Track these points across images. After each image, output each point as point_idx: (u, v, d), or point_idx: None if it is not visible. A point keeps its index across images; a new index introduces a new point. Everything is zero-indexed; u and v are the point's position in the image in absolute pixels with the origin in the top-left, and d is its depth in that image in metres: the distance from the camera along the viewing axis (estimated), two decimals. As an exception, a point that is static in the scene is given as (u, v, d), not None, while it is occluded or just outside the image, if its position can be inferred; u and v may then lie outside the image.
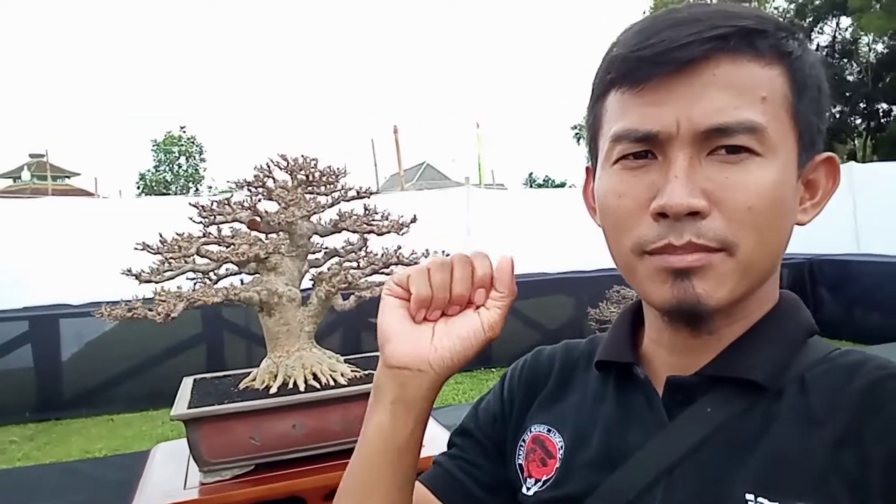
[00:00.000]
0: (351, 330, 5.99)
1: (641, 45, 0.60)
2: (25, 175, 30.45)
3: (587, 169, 0.76)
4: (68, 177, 38.07)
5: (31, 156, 35.37)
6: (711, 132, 0.58)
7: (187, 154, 36.99)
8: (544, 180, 44.99)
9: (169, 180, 36.29)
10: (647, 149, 0.61)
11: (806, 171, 0.65)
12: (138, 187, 35.93)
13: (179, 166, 36.93)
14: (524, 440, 0.80)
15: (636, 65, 0.60)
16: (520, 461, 0.79)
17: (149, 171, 36.51)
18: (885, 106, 24.97)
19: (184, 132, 37.15)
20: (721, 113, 0.58)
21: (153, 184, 35.63)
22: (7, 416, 5.37)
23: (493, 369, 6.53)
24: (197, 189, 36.14)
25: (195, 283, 1.56)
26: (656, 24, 0.61)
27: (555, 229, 7.19)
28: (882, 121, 25.14)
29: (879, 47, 24.29)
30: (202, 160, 37.51)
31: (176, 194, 32.05)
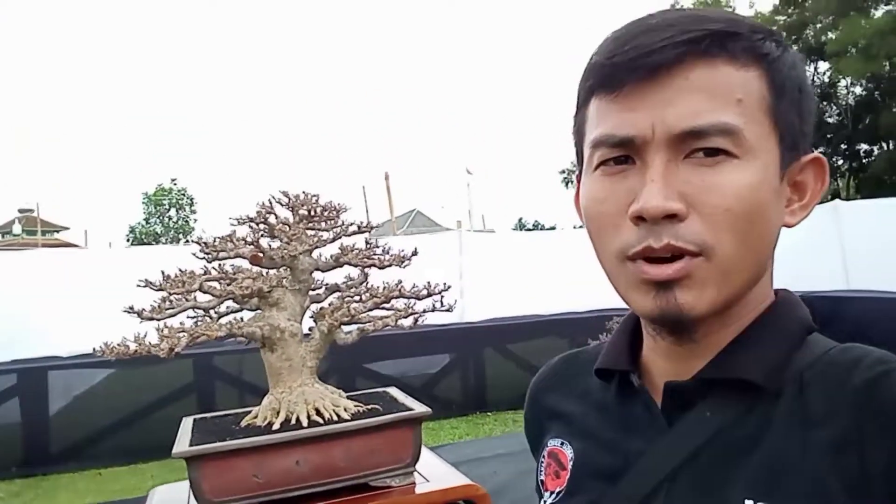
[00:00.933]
0: (346, 375, 5.93)
1: (617, 51, 0.61)
2: (16, 229, 30.35)
3: (577, 177, 0.77)
4: (58, 231, 37.98)
5: (21, 211, 35.35)
6: (686, 135, 0.59)
7: (178, 206, 37.11)
8: (533, 225, 45.30)
9: (159, 232, 36.32)
10: (625, 154, 0.62)
11: (792, 172, 0.65)
12: (128, 240, 35.90)
13: (170, 218, 37.01)
14: (543, 456, 0.81)
15: (612, 71, 0.61)
16: (541, 477, 0.81)
17: (139, 223, 36.58)
18: (865, 146, 25.48)
19: (174, 184, 37.34)
20: (695, 116, 0.58)
21: (143, 236, 35.60)
22: (-7, 471, 5.25)
23: (489, 413, 6.47)
24: (187, 241, 36.11)
25: (195, 321, 1.56)
26: (631, 30, 0.62)
27: (546, 272, 7.21)
28: (864, 161, 25.62)
29: (858, 90, 24.92)
30: (193, 212, 37.63)
31: (165, 245, 31.99)
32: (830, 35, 23.05)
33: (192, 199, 37.52)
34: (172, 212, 37.05)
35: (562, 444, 0.78)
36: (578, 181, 0.76)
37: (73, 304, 6.03)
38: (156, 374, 5.57)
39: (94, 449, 5.55)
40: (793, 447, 0.58)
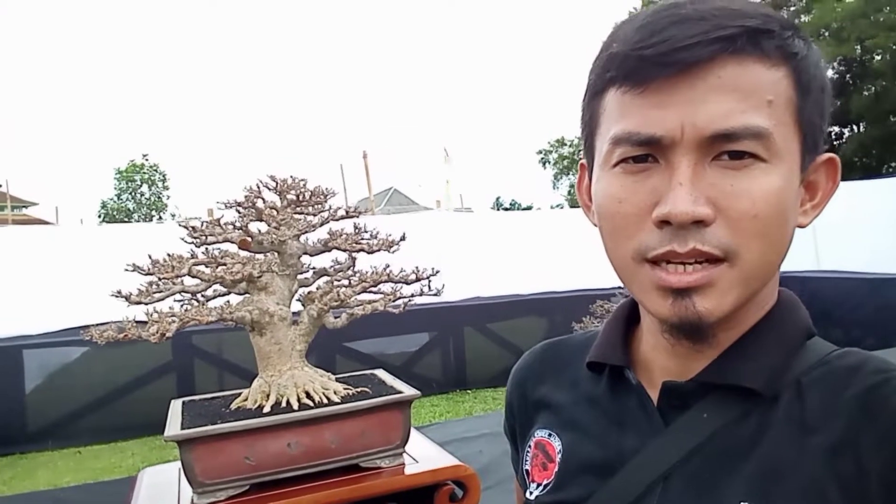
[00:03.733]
0: (326, 353, 5.95)
1: (644, 42, 0.57)
2: (-15, 205, 29.67)
3: (582, 165, 0.74)
4: (26, 206, 37.19)
5: (-12, 185, 34.49)
6: (717, 137, 0.56)
7: (150, 182, 36.53)
8: (511, 204, 45.43)
9: (131, 209, 35.76)
10: (648, 152, 0.59)
11: (807, 172, 0.63)
12: (100, 216, 35.31)
13: (142, 194, 36.43)
14: (530, 446, 0.80)
15: (638, 64, 0.57)
16: (526, 467, 0.80)
17: (111, 199, 35.95)
18: (836, 129, 25.86)
19: (146, 160, 36.74)
20: (727, 118, 0.56)
21: (115, 212, 35.04)
22: (-31, 451, 5.20)
23: (469, 391, 6.54)
24: (160, 217, 35.63)
25: (182, 305, 1.56)
26: (659, 20, 0.58)
27: (525, 252, 7.27)
28: (834, 143, 26.02)
29: (829, 73, 25.22)
30: (165, 188, 37.08)
31: (138, 222, 31.56)
32: (804, 18, 23.26)
33: (164, 176, 36.94)
34: (144, 188, 36.45)
35: (549, 434, 0.77)
36: (583, 171, 0.74)
37: (46, 282, 5.96)
38: (133, 352, 5.54)
39: (73, 427, 5.52)
40: (789, 451, 0.58)
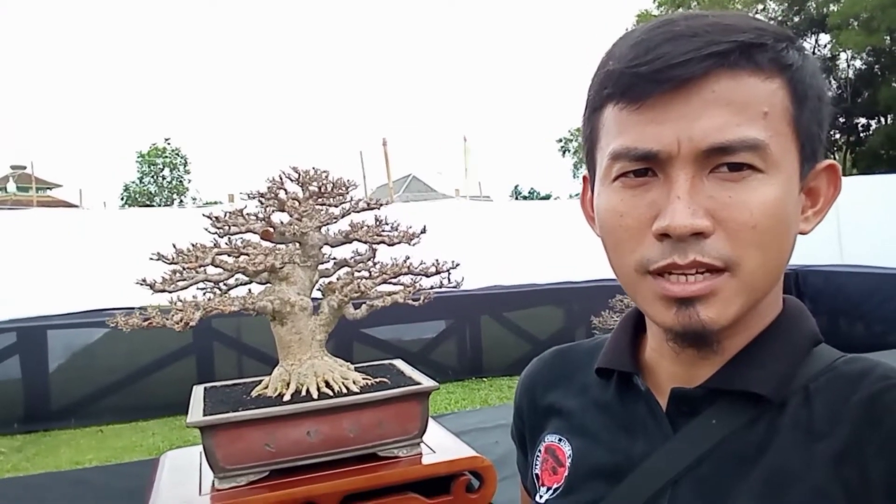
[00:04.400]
0: (344, 339, 6.00)
1: (639, 60, 0.58)
2: (11, 186, 30.12)
3: (584, 178, 0.75)
4: (51, 188, 37.70)
5: (13, 167, 34.99)
6: (713, 151, 0.57)
7: (171, 166, 36.85)
8: (530, 192, 45.28)
9: (153, 192, 36.13)
10: (646, 167, 0.60)
11: (807, 180, 0.64)
12: (122, 199, 35.73)
13: (164, 178, 36.78)
14: (540, 451, 0.81)
15: (633, 81, 0.58)
16: (536, 471, 0.81)
17: (133, 182, 36.35)
18: (863, 120, 25.43)
19: (168, 144, 37.04)
20: (722, 131, 0.57)
21: (137, 195, 35.43)
22: (-5, 427, 5.33)
23: (484, 379, 6.56)
24: (181, 201, 36.00)
25: (204, 293, 1.58)
26: (653, 37, 0.59)
27: (544, 241, 7.27)
28: (861, 135, 25.60)
29: (858, 63, 24.77)
30: (187, 171, 37.41)
31: (160, 206, 31.90)
32: (832, 7, 22.83)
33: (185, 159, 37.24)
34: (166, 171, 36.79)
35: (559, 440, 0.78)
36: (586, 184, 0.75)
37: (70, 264, 6.07)
38: (154, 335, 5.60)
39: (95, 406, 5.63)
40: (797, 457, 0.59)
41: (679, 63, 0.56)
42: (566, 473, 0.75)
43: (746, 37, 0.58)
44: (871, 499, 0.55)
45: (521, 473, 0.90)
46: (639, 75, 0.58)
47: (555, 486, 0.76)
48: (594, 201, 0.69)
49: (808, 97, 0.61)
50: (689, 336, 0.62)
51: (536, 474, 0.80)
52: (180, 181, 37.08)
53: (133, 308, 1.48)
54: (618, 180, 0.63)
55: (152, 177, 36.51)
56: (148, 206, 31.48)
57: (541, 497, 0.77)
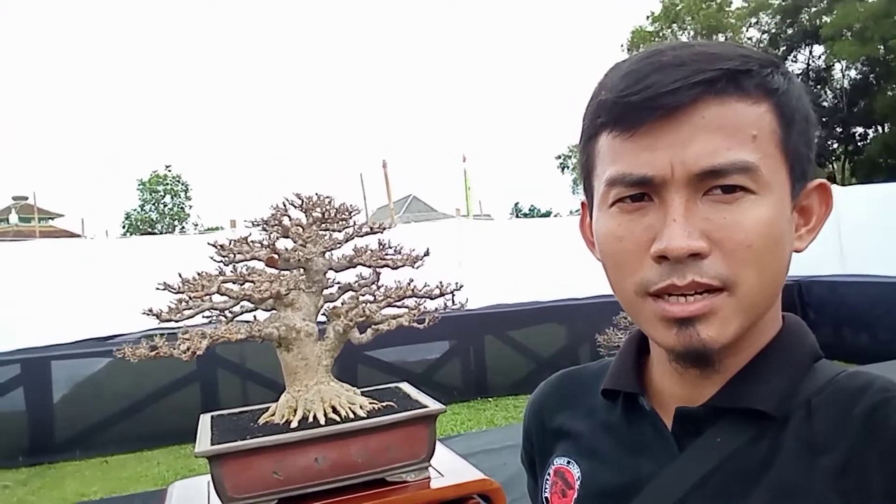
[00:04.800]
0: (348, 362, 5.98)
1: (630, 89, 0.60)
2: (13, 218, 30.27)
3: (583, 204, 0.77)
4: (52, 218, 37.85)
5: (15, 198, 35.17)
6: (705, 174, 0.59)
7: (172, 192, 37.02)
8: (530, 209, 45.38)
9: (154, 219, 36.26)
10: (642, 192, 0.62)
11: (799, 199, 0.66)
12: (124, 227, 35.85)
13: (165, 205, 36.93)
14: (549, 474, 0.82)
15: (625, 110, 0.61)
16: (546, 494, 0.81)
17: (134, 210, 36.50)
18: (860, 130, 25.56)
19: (169, 171, 37.25)
20: (713, 155, 0.59)
21: (138, 223, 35.55)
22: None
23: (490, 399, 6.54)
24: (183, 227, 36.10)
25: (210, 321, 1.59)
26: (642, 67, 0.61)
27: (545, 258, 7.27)
28: (859, 144, 25.70)
29: (853, 73, 24.95)
30: (188, 198, 37.57)
31: (161, 233, 31.99)
32: (826, 18, 23.06)
33: (186, 186, 37.43)
34: (168, 198, 36.95)
35: (568, 462, 0.79)
36: (585, 210, 0.77)
37: (73, 294, 6.07)
38: (158, 363, 5.52)
39: (100, 437, 5.61)
40: (800, 472, 0.60)
41: (668, 91, 0.59)
42: (575, 496, 0.76)
43: (732, 64, 0.60)
44: None
45: (531, 497, 0.90)
46: (630, 104, 0.60)
47: None
48: (593, 226, 0.71)
49: (794, 119, 0.63)
50: (690, 356, 0.63)
51: (546, 497, 0.81)
52: (181, 208, 37.23)
53: (137, 333, 1.48)
54: (615, 205, 0.65)
55: (153, 204, 36.67)
56: (150, 233, 31.59)
57: None
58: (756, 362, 0.67)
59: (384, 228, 1.65)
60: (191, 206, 37.71)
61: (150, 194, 36.43)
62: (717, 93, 0.59)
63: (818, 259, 7.21)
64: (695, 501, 0.64)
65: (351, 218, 1.64)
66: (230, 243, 1.54)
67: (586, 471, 0.76)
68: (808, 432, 0.62)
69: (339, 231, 1.64)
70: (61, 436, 5.57)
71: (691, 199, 0.60)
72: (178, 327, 1.49)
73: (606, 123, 0.64)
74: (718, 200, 0.60)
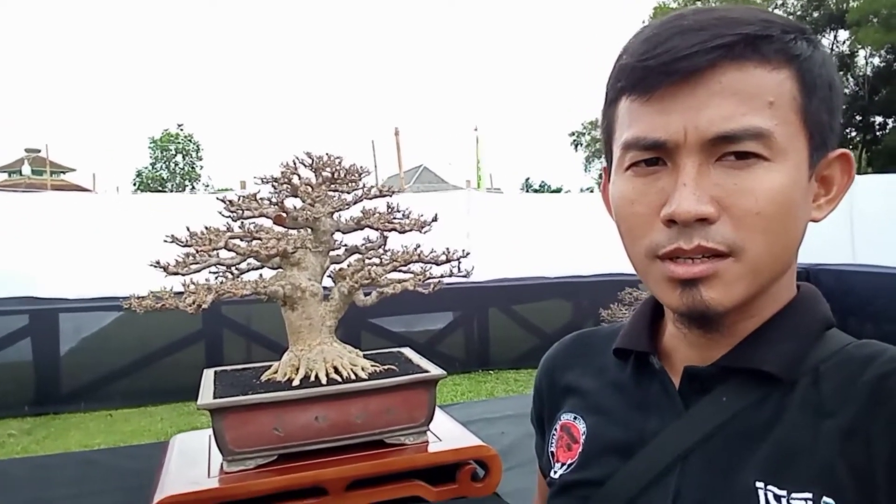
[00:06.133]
0: (352, 328, 6.01)
1: (649, 54, 0.61)
2: (26, 169, 30.37)
3: (604, 169, 0.77)
4: (64, 172, 37.94)
5: (28, 150, 35.22)
6: (718, 139, 0.59)
7: (184, 152, 37.01)
8: (541, 185, 45.16)
9: (165, 178, 36.29)
10: (656, 156, 0.62)
11: (819, 168, 0.65)
12: (135, 184, 35.92)
13: (176, 164, 36.94)
14: (556, 429, 0.83)
15: (644, 74, 0.61)
16: (551, 449, 0.82)
17: (145, 168, 36.53)
18: (880, 119, 25.18)
19: (181, 130, 37.18)
20: (727, 120, 0.59)
21: (149, 181, 35.61)
22: (5, 409, 5.37)
23: (491, 372, 6.56)
24: (193, 187, 36.15)
25: (216, 277, 1.59)
26: (662, 32, 0.61)
27: (554, 234, 7.23)
28: (878, 133, 25.34)
29: (876, 61, 24.50)
30: (199, 158, 37.54)
31: (172, 191, 32.06)
32: (852, 3, 22.58)
33: (198, 146, 37.39)
34: (179, 157, 36.95)
35: (574, 418, 0.80)
36: (606, 175, 0.77)
37: (83, 248, 6.10)
38: (164, 320, 5.63)
39: (105, 390, 5.66)
40: (804, 434, 0.60)
41: (686, 56, 0.59)
42: (580, 450, 0.77)
43: (752, 29, 0.59)
44: (875, 476, 0.56)
45: (538, 455, 0.91)
46: (648, 68, 0.60)
47: (569, 461, 0.78)
48: (609, 190, 0.72)
49: (816, 86, 0.62)
50: (693, 316, 0.64)
51: (552, 452, 0.82)
52: (192, 167, 37.24)
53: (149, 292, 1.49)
54: (630, 169, 0.65)
55: (165, 163, 36.68)
56: (160, 191, 31.65)
57: (555, 473, 0.79)
58: (767, 327, 0.67)
59: (393, 192, 1.65)
60: (202, 167, 37.73)
61: (162, 153, 36.42)
62: (735, 58, 0.59)
63: (829, 247, 7.16)
64: (697, 458, 0.65)
65: (361, 179, 1.63)
66: (239, 199, 1.54)
67: (592, 426, 0.77)
68: (815, 396, 0.62)
69: (349, 192, 1.63)
70: (67, 387, 5.63)
71: (704, 165, 0.60)
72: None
73: (625, 87, 0.64)
74: (731, 166, 0.60)
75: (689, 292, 0.62)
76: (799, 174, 0.62)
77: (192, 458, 1.55)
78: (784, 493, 0.58)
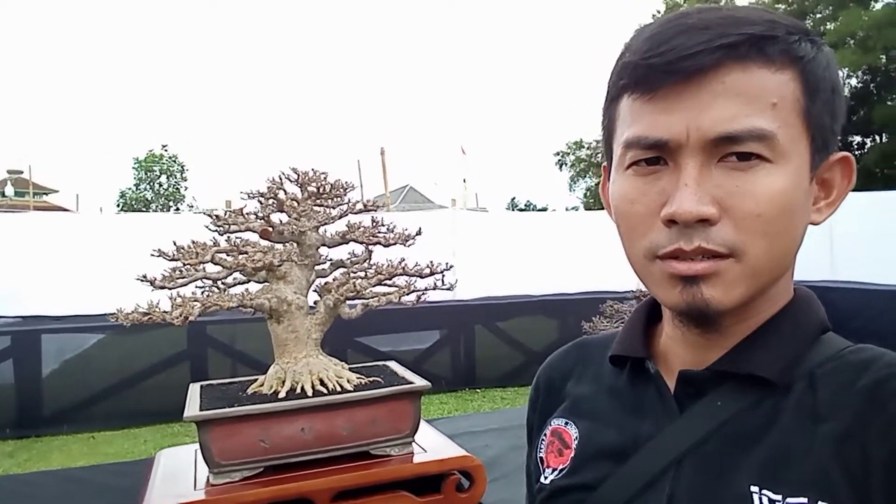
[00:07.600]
0: (338, 346, 6.00)
1: (652, 52, 0.60)
2: (9, 191, 30.11)
3: (604, 168, 0.76)
4: (47, 193, 37.65)
5: (10, 171, 34.93)
6: (720, 140, 0.58)
7: (168, 173, 36.87)
8: (526, 205, 45.39)
9: (149, 199, 36.10)
10: (657, 155, 0.62)
11: (820, 171, 0.64)
12: (118, 205, 35.68)
13: (160, 185, 36.77)
14: (545, 434, 0.82)
15: (647, 72, 0.60)
16: (541, 454, 0.82)
17: (129, 189, 36.33)
18: (858, 138, 25.61)
19: (165, 150, 37.07)
20: (730, 121, 0.58)
21: (133, 202, 35.40)
22: (-13, 431, 5.31)
23: (478, 390, 6.56)
24: (178, 208, 35.96)
25: (203, 291, 1.61)
26: (666, 30, 0.61)
27: (539, 253, 7.28)
28: (856, 153, 25.76)
29: (854, 81, 24.97)
30: (184, 178, 37.41)
31: (156, 212, 31.85)
32: (829, 26, 23.04)
33: (182, 167, 37.27)
34: (163, 178, 36.81)
35: (566, 423, 0.79)
36: (606, 173, 0.77)
37: (66, 268, 6.06)
38: (148, 340, 5.61)
39: (87, 412, 5.60)
40: (799, 438, 0.60)
41: (690, 55, 0.58)
42: (572, 455, 0.76)
43: (757, 29, 0.59)
44: (871, 481, 0.56)
45: (527, 465, 0.90)
46: (652, 67, 0.60)
47: (560, 467, 0.77)
48: (609, 188, 0.71)
49: (820, 89, 0.62)
50: (693, 314, 0.63)
51: (541, 457, 0.81)
52: (177, 188, 37.09)
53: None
54: (630, 168, 0.65)
55: (149, 183, 36.51)
56: (144, 212, 31.45)
57: (545, 478, 0.78)
58: (762, 330, 0.67)
59: (378, 206, 1.67)
60: (186, 188, 37.58)
61: (146, 173, 36.27)
62: (739, 58, 0.58)
63: (809, 264, 7.26)
64: (691, 462, 0.65)
65: (346, 194, 1.66)
66: (226, 214, 1.56)
67: (585, 431, 0.77)
68: (811, 401, 0.62)
69: (334, 207, 1.66)
70: (49, 410, 5.57)
71: (705, 165, 0.60)
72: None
73: (628, 85, 0.63)
74: (733, 167, 0.59)
75: (689, 290, 0.61)
76: (800, 177, 0.62)
77: (178, 471, 1.56)
78: (779, 497, 0.58)
